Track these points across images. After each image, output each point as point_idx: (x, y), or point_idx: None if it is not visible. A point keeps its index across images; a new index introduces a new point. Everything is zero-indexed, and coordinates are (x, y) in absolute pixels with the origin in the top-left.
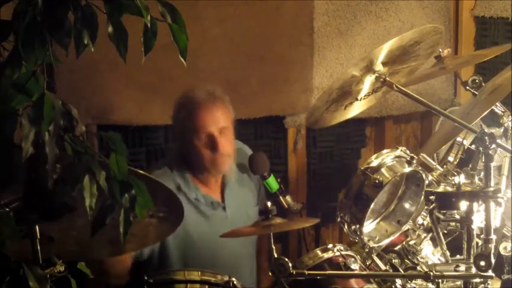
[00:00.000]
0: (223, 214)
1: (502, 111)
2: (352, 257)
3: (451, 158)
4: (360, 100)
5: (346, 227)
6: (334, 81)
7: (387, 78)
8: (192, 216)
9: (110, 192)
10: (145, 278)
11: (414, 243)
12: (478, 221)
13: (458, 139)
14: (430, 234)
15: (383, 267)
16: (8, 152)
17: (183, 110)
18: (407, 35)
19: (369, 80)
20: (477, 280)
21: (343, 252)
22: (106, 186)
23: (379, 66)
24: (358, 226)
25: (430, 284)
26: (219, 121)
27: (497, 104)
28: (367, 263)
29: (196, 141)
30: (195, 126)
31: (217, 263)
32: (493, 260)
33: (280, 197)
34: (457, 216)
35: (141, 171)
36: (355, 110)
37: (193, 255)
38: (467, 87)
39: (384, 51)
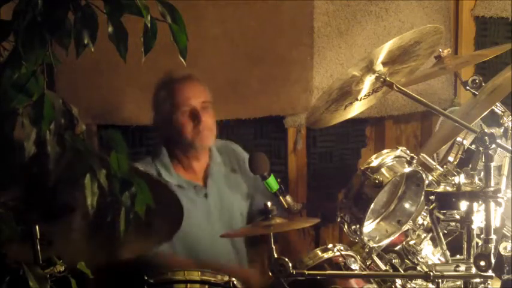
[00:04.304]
0: (204, 201)
1: (502, 111)
2: (352, 257)
3: (451, 158)
4: (360, 100)
5: (346, 227)
6: (334, 81)
7: (387, 78)
8: None
9: (110, 190)
10: (145, 278)
11: (414, 243)
12: (478, 221)
13: (458, 139)
14: (430, 234)
15: (383, 267)
16: (8, 151)
17: (163, 88)
18: (407, 35)
19: (369, 80)
20: (477, 280)
21: (343, 252)
22: (107, 184)
23: (379, 66)
24: (358, 226)
25: (430, 284)
26: (200, 95)
27: (497, 104)
28: (367, 263)
29: (179, 116)
30: (177, 101)
31: (199, 245)
32: (493, 260)
33: (280, 197)
34: (457, 216)
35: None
36: (355, 110)
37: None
38: (467, 87)
39: (384, 51)
